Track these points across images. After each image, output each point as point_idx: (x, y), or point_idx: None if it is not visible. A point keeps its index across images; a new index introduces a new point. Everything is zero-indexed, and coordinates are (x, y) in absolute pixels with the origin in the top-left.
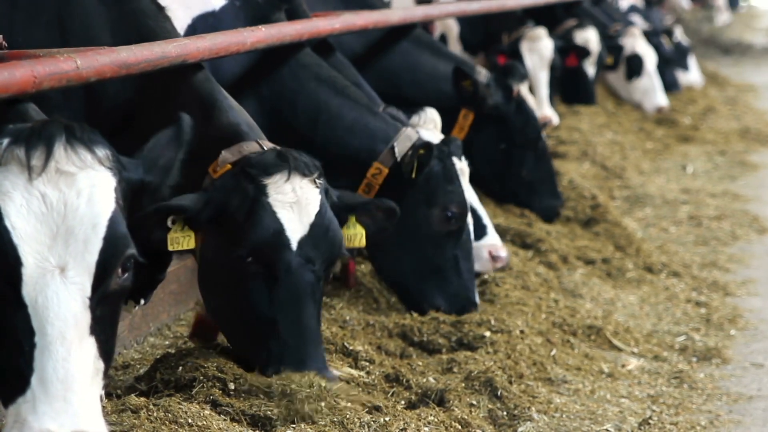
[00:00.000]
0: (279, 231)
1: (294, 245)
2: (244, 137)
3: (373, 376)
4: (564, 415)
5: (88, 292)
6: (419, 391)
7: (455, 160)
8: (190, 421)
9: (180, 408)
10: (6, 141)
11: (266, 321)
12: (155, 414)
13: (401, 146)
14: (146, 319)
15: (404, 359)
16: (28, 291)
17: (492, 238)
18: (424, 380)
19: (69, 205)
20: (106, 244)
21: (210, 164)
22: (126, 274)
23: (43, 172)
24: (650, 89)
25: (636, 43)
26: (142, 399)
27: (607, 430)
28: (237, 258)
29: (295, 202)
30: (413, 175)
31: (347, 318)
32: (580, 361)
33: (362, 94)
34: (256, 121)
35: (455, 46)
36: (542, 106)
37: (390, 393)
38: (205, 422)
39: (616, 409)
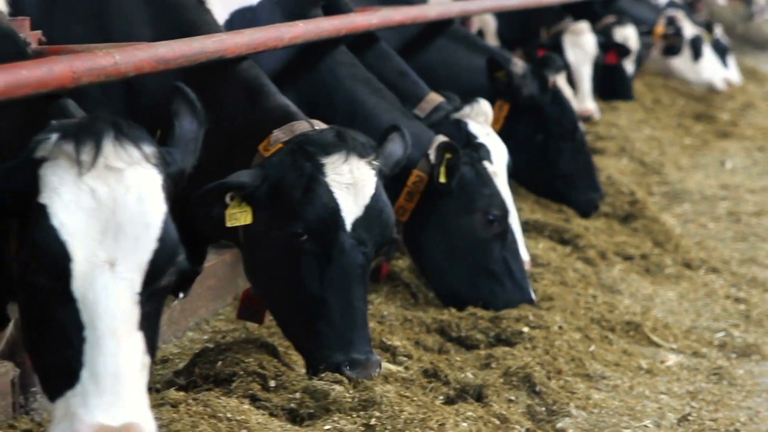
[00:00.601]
0: (335, 211)
1: (348, 226)
2: (294, 117)
3: (411, 372)
4: (602, 411)
5: (137, 288)
6: (457, 386)
7: (486, 163)
8: (229, 415)
9: (219, 402)
10: (55, 136)
11: (316, 301)
12: (194, 408)
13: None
14: (185, 314)
15: (442, 354)
16: (77, 286)
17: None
18: (463, 376)
19: (118, 201)
20: (160, 247)
21: (257, 146)
22: (173, 272)
23: (93, 168)
24: (716, 66)
25: (686, 26)
26: (181, 393)
27: (645, 426)
28: (290, 235)
29: (352, 184)
30: (442, 179)
31: (385, 313)
32: (618, 357)
33: (395, 97)
34: None
35: (493, 42)
36: (585, 101)
37: (428, 388)
38: (244, 416)
39: (655, 405)
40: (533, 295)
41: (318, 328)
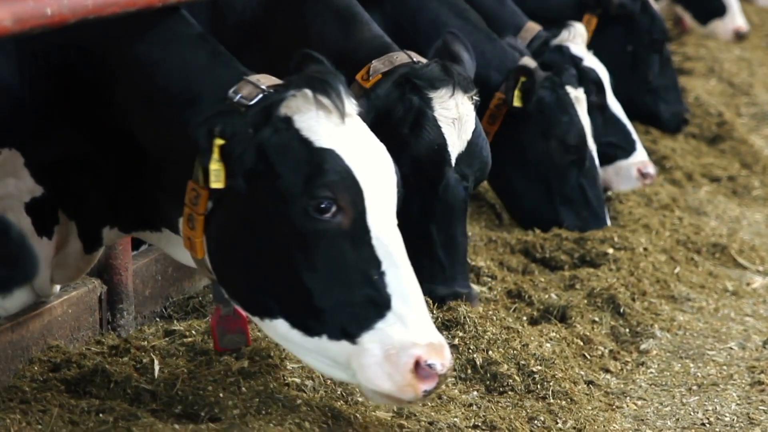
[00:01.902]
0: (442, 146)
1: (453, 161)
2: (391, 48)
3: (495, 292)
4: (687, 333)
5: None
6: (541, 307)
7: (569, 88)
8: None
9: None
10: (307, 91)
11: (419, 235)
12: None
13: None
14: None
15: (526, 275)
16: (372, 223)
17: (641, 155)
18: (546, 296)
19: (369, 145)
20: (396, 189)
21: (353, 75)
22: None
23: (345, 116)
24: None
25: None
26: None
27: (730, 348)
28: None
29: (457, 118)
30: (517, 103)
31: (469, 234)
32: (704, 279)
33: (480, 19)
34: None
35: None
36: (735, 18)
37: (512, 309)
38: None
39: (740, 327)
40: (608, 223)
41: (420, 263)
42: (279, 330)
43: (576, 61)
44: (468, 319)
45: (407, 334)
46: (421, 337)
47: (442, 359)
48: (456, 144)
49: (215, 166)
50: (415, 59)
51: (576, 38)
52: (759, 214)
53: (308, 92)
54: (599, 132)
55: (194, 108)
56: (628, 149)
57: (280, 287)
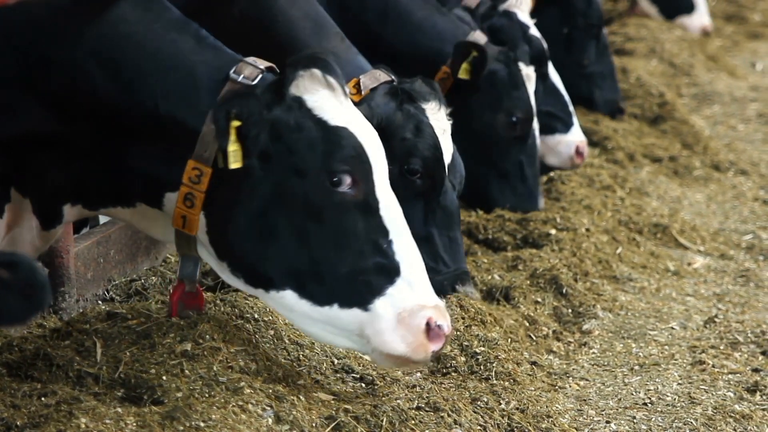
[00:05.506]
0: (441, 153)
1: (446, 168)
2: (367, 65)
3: None
4: (629, 313)
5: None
6: (484, 288)
7: (521, 65)
8: (256, 316)
9: (246, 303)
10: (316, 71)
11: (422, 238)
12: (222, 309)
13: None
14: None
15: (469, 256)
16: (380, 194)
17: (579, 133)
18: (490, 277)
19: (369, 124)
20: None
21: None
22: None
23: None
24: None
25: None
26: (209, 294)
27: (672, 328)
28: (403, 173)
29: (444, 130)
30: (463, 76)
31: None
32: (645, 259)
33: None
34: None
35: None
36: (703, 15)
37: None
38: (270, 317)
39: (681, 307)
40: (541, 205)
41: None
42: (287, 301)
43: (524, 28)
44: None
45: (417, 297)
46: (429, 299)
47: (447, 321)
48: (446, 153)
49: (233, 147)
50: (392, 77)
51: (522, 5)
52: (700, 194)
53: (317, 72)
54: (539, 101)
55: (195, 90)
56: (567, 122)
57: (292, 259)
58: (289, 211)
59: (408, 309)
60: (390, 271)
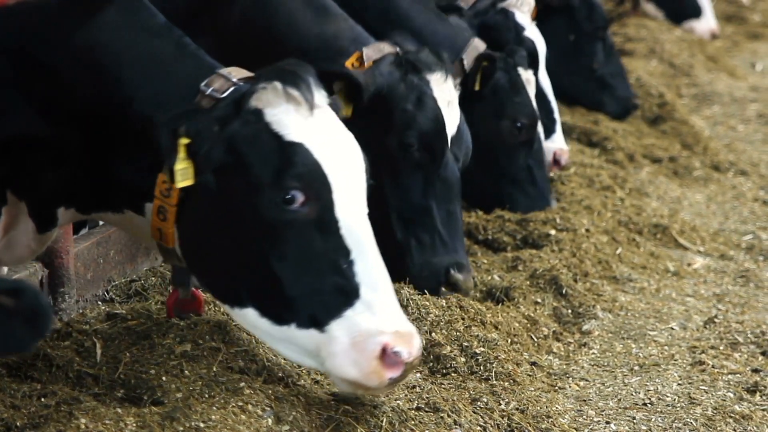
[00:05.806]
0: (443, 126)
1: (449, 141)
2: (371, 38)
3: None
4: (629, 314)
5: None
6: (484, 288)
7: (521, 70)
8: None
9: None
10: (277, 84)
11: (420, 212)
12: (222, 309)
13: (470, 58)
14: None
15: (469, 257)
16: (341, 213)
17: (560, 140)
18: (489, 278)
19: (342, 138)
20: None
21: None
22: None
23: (314, 108)
24: None
25: None
26: (209, 294)
27: (672, 328)
28: (402, 145)
29: (450, 102)
30: (477, 87)
31: None
32: (645, 259)
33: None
34: None
35: None
36: (711, 20)
37: None
38: None
39: (681, 307)
40: (554, 204)
41: (421, 239)
42: (248, 318)
43: (518, 29)
44: (411, 302)
45: (375, 321)
46: (389, 325)
47: (410, 347)
48: (451, 126)
49: (181, 166)
50: (398, 49)
51: (523, 6)
52: (700, 194)
53: (278, 85)
54: None
55: (170, 99)
56: (550, 129)
57: (250, 277)
58: (245, 227)
59: (363, 333)
60: (349, 293)
